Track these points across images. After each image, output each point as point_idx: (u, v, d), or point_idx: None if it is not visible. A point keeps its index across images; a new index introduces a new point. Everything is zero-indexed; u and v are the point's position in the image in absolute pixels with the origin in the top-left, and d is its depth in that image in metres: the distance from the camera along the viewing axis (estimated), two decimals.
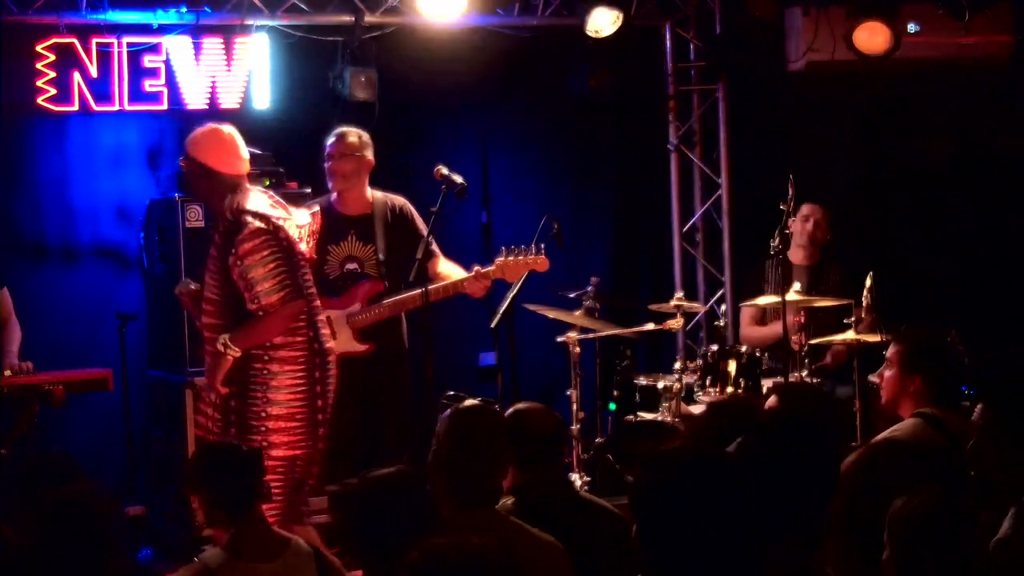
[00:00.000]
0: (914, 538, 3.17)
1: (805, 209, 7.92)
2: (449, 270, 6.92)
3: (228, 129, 5.92)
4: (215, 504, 4.37)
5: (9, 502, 4.17)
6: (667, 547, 2.75)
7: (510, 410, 4.58)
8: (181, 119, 8.03)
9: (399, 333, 6.96)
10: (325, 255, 6.81)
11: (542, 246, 6.89)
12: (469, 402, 4.32)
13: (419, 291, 6.65)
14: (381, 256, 6.86)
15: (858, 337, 7.17)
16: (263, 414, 5.75)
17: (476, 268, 6.81)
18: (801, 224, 7.94)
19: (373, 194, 6.99)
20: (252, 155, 7.47)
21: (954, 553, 3.14)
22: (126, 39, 7.73)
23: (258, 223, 5.68)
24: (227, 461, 4.43)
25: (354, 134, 6.91)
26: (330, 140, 6.92)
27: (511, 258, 6.80)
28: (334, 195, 6.95)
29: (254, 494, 4.38)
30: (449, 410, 4.23)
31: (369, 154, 6.92)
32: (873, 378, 7.49)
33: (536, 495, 4.28)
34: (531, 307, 7.62)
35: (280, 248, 5.71)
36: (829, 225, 8.02)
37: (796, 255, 7.97)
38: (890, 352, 5.20)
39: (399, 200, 7.00)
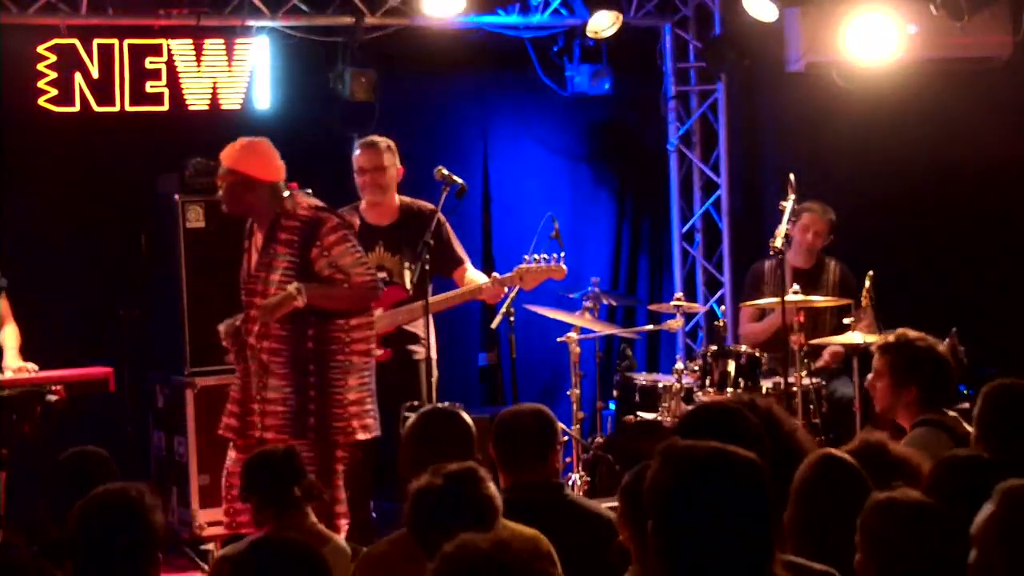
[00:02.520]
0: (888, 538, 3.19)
1: (805, 219, 7.92)
2: (475, 277, 6.93)
3: (262, 139, 6.13)
4: (262, 506, 4.53)
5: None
6: (683, 543, 2.76)
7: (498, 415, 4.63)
8: (182, 120, 8.05)
9: (427, 339, 6.92)
10: None
11: (562, 254, 6.90)
12: (432, 407, 4.35)
13: (440, 297, 6.74)
14: (409, 264, 6.84)
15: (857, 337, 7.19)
16: (344, 400, 5.99)
17: (494, 275, 6.83)
18: (801, 234, 7.95)
19: (401, 201, 7.01)
20: None
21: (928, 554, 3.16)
22: (127, 40, 7.75)
23: (336, 217, 6.08)
24: (272, 467, 4.58)
25: (383, 145, 6.91)
26: (358, 152, 6.92)
27: (530, 265, 6.82)
28: (363, 204, 6.95)
29: (296, 497, 4.51)
30: (413, 416, 4.27)
31: (398, 163, 6.96)
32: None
33: (521, 496, 4.29)
34: (531, 307, 7.64)
35: (357, 239, 6.13)
36: (829, 230, 8.04)
37: (796, 259, 7.97)
38: (878, 363, 5.17)
39: (427, 207, 6.96)
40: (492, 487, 3.71)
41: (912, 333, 5.13)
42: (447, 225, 6.96)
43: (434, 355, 6.86)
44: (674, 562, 2.77)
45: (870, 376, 5.22)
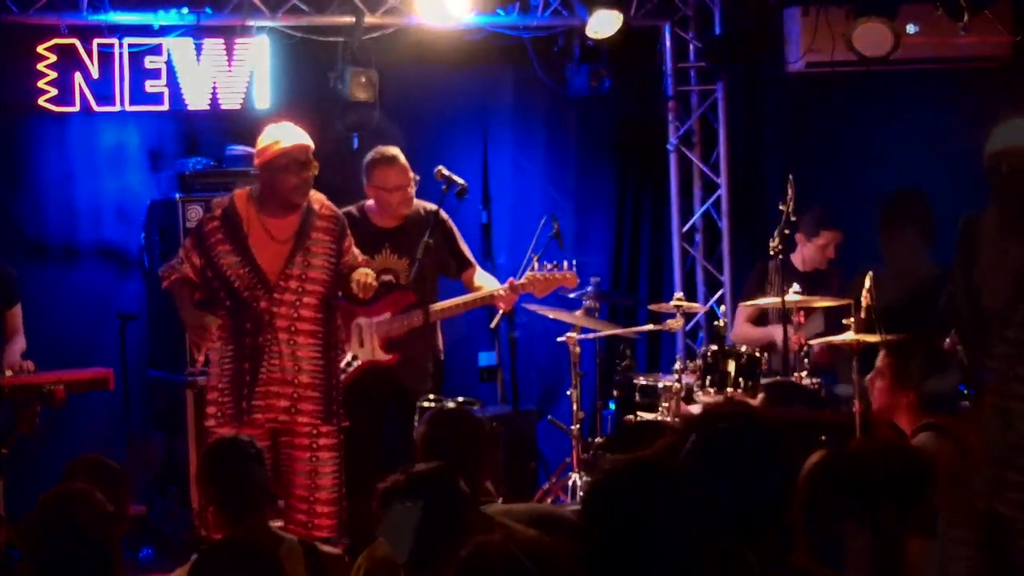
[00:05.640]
0: None
1: (826, 236, 7.95)
2: (485, 281, 6.91)
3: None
4: (223, 504, 4.37)
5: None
6: (615, 561, 2.78)
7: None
8: (182, 120, 8.06)
9: (435, 342, 6.90)
10: None
11: (573, 262, 6.88)
12: (446, 406, 4.33)
13: (451, 302, 6.75)
14: (416, 268, 6.80)
15: (857, 337, 7.20)
16: (341, 385, 6.17)
17: (511, 280, 6.81)
18: (820, 252, 7.96)
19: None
20: (254, 155, 7.53)
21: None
22: (127, 40, 7.76)
23: None
24: (244, 461, 4.41)
25: (403, 158, 6.81)
26: (382, 169, 6.76)
27: (542, 273, 6.80)
28: (369, 203, 6.86)
29: (266, 499, 4.39)
30: (426, 415, 4.24)
31: None
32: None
33: None
34: (531, 307, 7.64)
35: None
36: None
37: (801, 263, 8.00)
38: (881, 363, 5.18)
39: (433, 208, 6.86)
40: None
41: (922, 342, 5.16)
42: (453, 227, 6.93)
43: (440, 355, 6.86)
44: None
45: (872, 374, 5.22)
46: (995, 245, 4.98)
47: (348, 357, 6.61)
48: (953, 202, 8.97)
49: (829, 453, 3.51)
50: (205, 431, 6.07)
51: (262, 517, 4.41)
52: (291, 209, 6.03)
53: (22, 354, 6.71)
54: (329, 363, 6.04)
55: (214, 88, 7.94)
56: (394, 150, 6.86)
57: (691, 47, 9.09)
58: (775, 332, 7.73)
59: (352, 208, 6.86)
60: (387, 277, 6.79)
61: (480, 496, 4.13)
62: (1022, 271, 4.84)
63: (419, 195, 7.08)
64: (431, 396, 6.38)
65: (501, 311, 7.07)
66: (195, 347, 6.17)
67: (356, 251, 6.22)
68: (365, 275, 6.07)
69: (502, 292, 6.76)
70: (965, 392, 6.99)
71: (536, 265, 6.87)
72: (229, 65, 7.96)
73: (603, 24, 8.28)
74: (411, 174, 6.80)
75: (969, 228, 5.12)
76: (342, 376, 6.40)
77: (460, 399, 6.06)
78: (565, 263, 6.90)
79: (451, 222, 6.91)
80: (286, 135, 6.06)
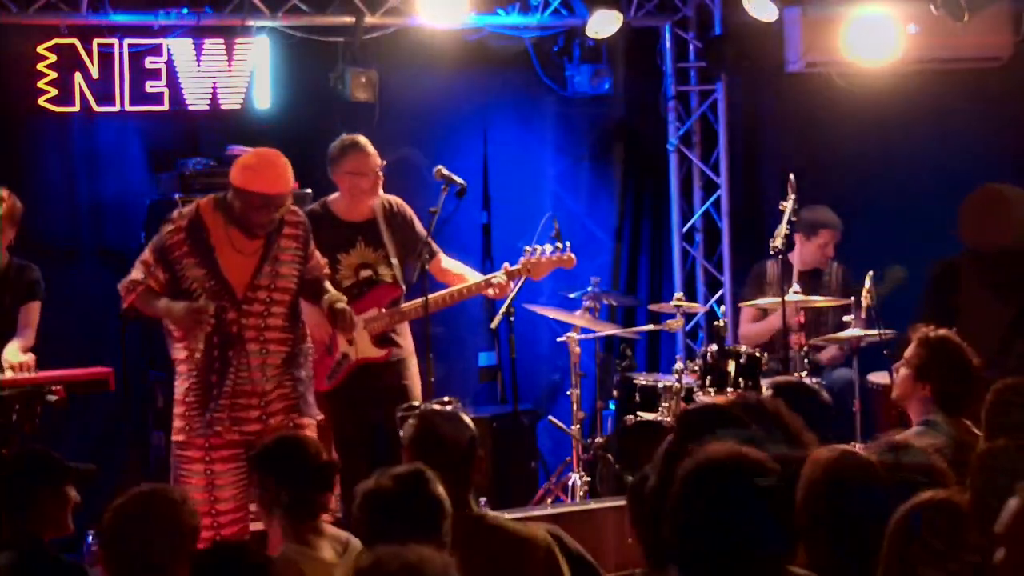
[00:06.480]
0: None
1: (824, 236, 7.99)
2: (455, 268, 6.91)
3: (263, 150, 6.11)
4: (292, 500, 4.35)
5: None
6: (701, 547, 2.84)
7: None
8: (182, 120, 8.06)
9: (407, 335, 6.90)
10: (335, 264, 6.64)
11: (567, 244, 6.88)
12: (432, 408, 4.32)
13: (443, 292, 6.72)
14: (393, 260, 6.79)
15: (857, 337, 7.22)
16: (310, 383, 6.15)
17: (506, 266, 6.79)
18: (819, 251, 7.99)
19: None
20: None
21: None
22: (127, 40, 7.75)
23: None
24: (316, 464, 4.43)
25: (371, 146, 6.81)
26: (356, 156, 6.73)
27: (537, 257, 6.80)
28: (333, 197, 6.83)
29: (324, 505, 4.43)
30: (414, 417, 4.23)
31: None
32: (873, 378, 7.56)
33: None
34: (531, 307, 7.64)
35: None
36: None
37: (800, 262, 8.01)
38: (909, 351, 5.25)
39: (395, 199, 6.90)
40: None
41: (954, 337, 5.19)
42: (415, 217, 6.91)
43: (411, 347, 6.83)
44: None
45: (900, 361, 5.30)
46: (976, 292, 5.19)
47: (338, 357, 6.61)
48: (953, 202, 9.01)
49: (835, 458, 3.49)
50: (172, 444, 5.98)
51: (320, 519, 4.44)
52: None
53: (27, 349, 6.68)
54: (298, 368, 5.99)
55: (214, 88, 7.93)
56: (361, 137, 6.84)
57: (691, 47, 9.09)
58: (774, 320, 7.73)
59: (315, 206, 6.81)
60: (366, 272, 6.77)
61: (469, 497, 4.13)
62: (1008, 321, 4.93)
63: (419, 195, 7.10)
64: (412, 403, 6.37)
65: (502, 311, 7.07)
66: (193, 337, 5.92)
67: (318, 254, 6.16)
68: (339, 303, 6.05)
69: (498, 280, 6.74)
70: None
71: (528, 249, 6.87)
72: (229, 65, 7.95)
73: (603, 24, 8.29)
74: (378, 165, 6.78)
75: (944, 271, 5.41)
76: (333, 378, 6.40)
77: (445, 399, 6.04)
78: (559, 244, 6.89)
79: (412, 212, 6.89)
80: (272, 175, 5.87)
